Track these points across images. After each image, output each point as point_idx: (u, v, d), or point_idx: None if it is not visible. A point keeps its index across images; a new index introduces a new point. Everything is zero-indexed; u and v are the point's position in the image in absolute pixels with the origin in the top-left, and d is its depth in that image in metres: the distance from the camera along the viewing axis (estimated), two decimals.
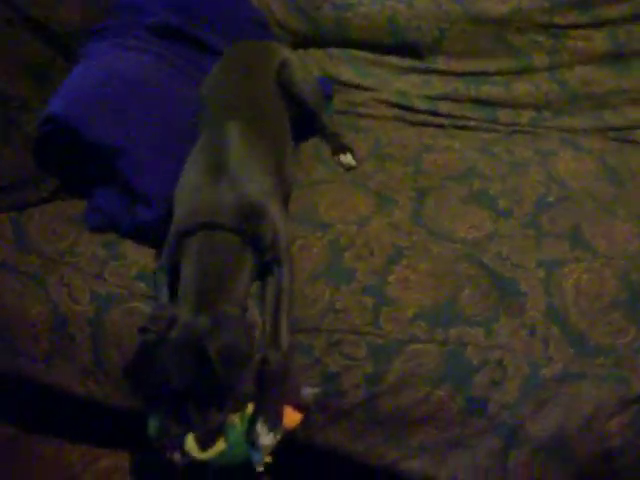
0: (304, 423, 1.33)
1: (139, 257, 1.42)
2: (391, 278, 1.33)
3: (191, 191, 1.32)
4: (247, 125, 1.41)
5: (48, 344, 1.41)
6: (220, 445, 1.28)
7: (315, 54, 1.91)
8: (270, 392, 1.27)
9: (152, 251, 1.43)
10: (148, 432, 1.35)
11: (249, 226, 1.28)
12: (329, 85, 1.85)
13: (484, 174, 1.59)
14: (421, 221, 1.46)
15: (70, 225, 1.47)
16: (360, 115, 1.84)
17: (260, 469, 1.30)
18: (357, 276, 1.34)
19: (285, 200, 1.46)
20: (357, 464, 1.36)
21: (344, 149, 1.68)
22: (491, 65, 1.81)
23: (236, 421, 1.29)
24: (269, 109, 1.53)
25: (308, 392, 1.30)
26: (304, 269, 1.37)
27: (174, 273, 1.30)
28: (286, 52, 1.70)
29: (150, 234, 1.38)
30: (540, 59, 1.78)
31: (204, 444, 1.27)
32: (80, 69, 1.47)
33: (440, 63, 1.85)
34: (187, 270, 1.26)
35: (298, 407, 1.32)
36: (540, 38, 1.76)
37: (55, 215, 1.50)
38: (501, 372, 1.21)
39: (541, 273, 1.32)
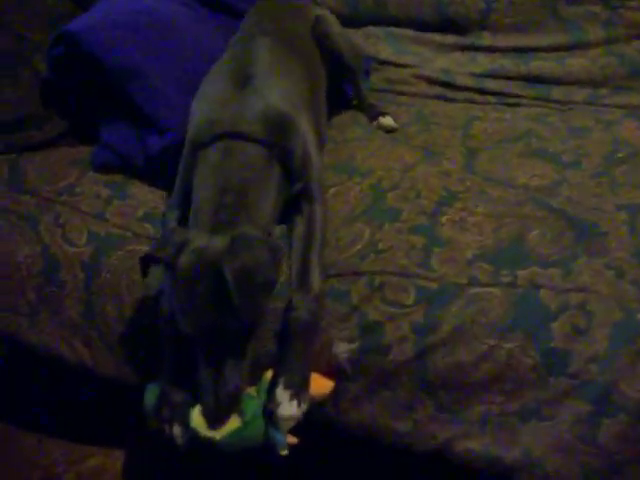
0: (335, 393, 1.08)
1: (147, 198, 1.23)
2: (444, 219, 1.12)
3: (211, 99, 1.14)
4: (280, 44, 1.25)
5: (34, 294, 1.20)
6: (233, 422, 1.04)
7: (352, 34, 1.78)
8: (296, 346, 1.03)
9: (163, 193, 1.24)
10: (144, 405, 1.11)
11: (277, 138, 1.09)
12: (367, 62, 1.71)
13: (541, 135, 1.40)
14: (474, 170, 1.27)
15: (73, 167, 1.30)
16: (399, 93, 1.68)
17: (284, 453, 1.04)
18: (403, 216, 1.13)
19: (319, 147, 1.27)
20: (396, 450, 1.10)
21: (383, 113, 1.52)
22: (542, 40, 1.65)
23: (253, 393, 1.05)
24: (305, 50, 1.37)
25: (342, 349, 1.06)
26: (339, 212, 1.17)
27: (186, 202, 1.10)
28: (319, 9, 1.57)
29: (161, 167, 1.20)
30: (595, 32, 1.62)
31: (215, 417, 1.01)
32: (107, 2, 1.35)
33: (486, 39, 1.70)
34: (201, 186, 1.05)
35: (329, 372, 1.08)
36: (595, 9, 1.61)
37: (58, 159, 1.33)
38: (585, 318, 0.97)
39: (623, 216, 1.10)
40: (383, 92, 1.69)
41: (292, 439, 1.05)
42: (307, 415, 1.04)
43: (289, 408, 1.01)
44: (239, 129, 1.07)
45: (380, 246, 1.09)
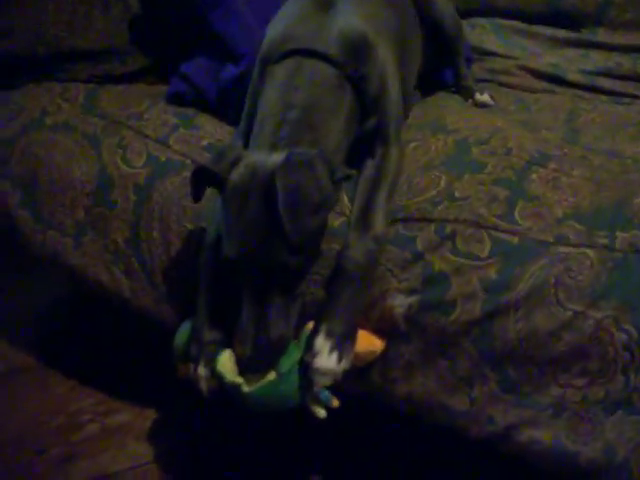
0: (384, 357, 0.94)
1: (214, 130, 1.17)
2: (534, 176, 0.98)
3: (287, 18, 1.06)
4: None
5: (83, 212, 1.15)
6: (267, 374, 0.92)
7: None
8: (345, 291, 0.91)
9: (231, 129, 1.17)
10: (174, 343, 1.01)
11: (353, 60, 0.99)
12: (468, 48, 1.61)
13: None
14: (576, 141, 1.12)
15: (146, 99, 1.26)
16: (502, 84, 1.56)
17: (321, 414, 0.91)
18: (487, 169, 0.99)
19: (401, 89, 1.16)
20: (442, 433, 0.94)
21: (481, 91, 1.40)
22: None
23: (292, 345, 0.93)
24: (402, 14, 1.27)
25: (400, 301, 0.92)
26: (416, 161, 1.05)
27: (252, 127, 1.02)
28: None
29: (233, 94, 1.13)
30: None
31: (249, 364, 0.89)
32: None
33: (601, 35, 1.56)
34: (265, 103, 0.96)
35: (380, 329, 0.95)
36: None
37: (134, 92, 1.30)
38: None
39: None
40: (484, 82, 1.58)
41: (334, 401, 0.92)
42: (347, 380, 0.90)
43: (327, 360, 0.88)
44: (312, 46, 0.98)
45: (457, 194, 0.96)
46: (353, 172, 0.94)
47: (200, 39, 1.23)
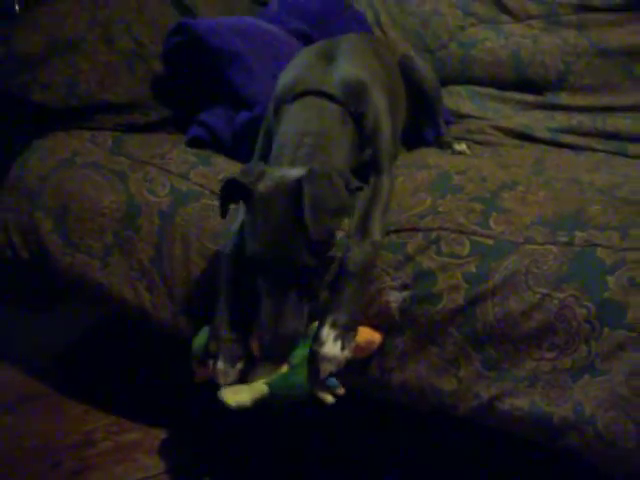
0: (381, 350, 1.07)
1: (229, 167, 1.33)
2: (505, 195, 1.14)
3: (296, 67, 1.26)
4: (367, 45, 1.38)
5: (111, 237, 1.29)
6: (281, 367, 1.04)
7: None
8: (348, 287, 1.05)
9: (243, 166, 1.33)
10: (192, 346, 1.13)
11: (353, 101, 1.18)
12: (447, 112, 1.83)
13: (615, 165, 1.42)
14: (541, 173, 1.29)
15: (167, 142, 1.44)
16: (477, 142, 1.76)
17: (329, 400, 1.02)
18: (465, 190, 1.16)
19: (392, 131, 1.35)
20: (435, 415, 1.06)
21: (457, 142, 1.59)
22: (618, 99, 1.71)
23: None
24: (389, 66, 1.47)
25: (395, 297, 1.06)
26: (405, 188, 1.22)
27: (266, 158, 1.18)
28: (406, 47, 1.71)
29: (246, 135, 1.31)
30: None
31: (270, 353, 1.01)
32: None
33: (563, 98, 1.77)
34: (282, 134, 1.14)
35: (379, 324, 1.08)
36: None
37: (156, 138, 1.48)
38: None
39: None
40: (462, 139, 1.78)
41: (340, 390, 1.03)
42: (349, 373, 1.03)
43: (332, 348, 1.01)
44: (319, 88, 1.17)
45: (440, 209, 1.12)
46: (363, 185, 1.10)
47: (216, 92, 1.42)
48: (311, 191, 0.97)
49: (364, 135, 1.19)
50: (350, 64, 1.25)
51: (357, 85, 1.21)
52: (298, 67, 1.27)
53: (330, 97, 1.17)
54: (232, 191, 1.06)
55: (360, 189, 1.09)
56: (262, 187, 1.02)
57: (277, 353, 1.01)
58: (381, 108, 1.24)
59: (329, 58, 1.26)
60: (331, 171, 1.03)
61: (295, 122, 1.14)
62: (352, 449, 1.34)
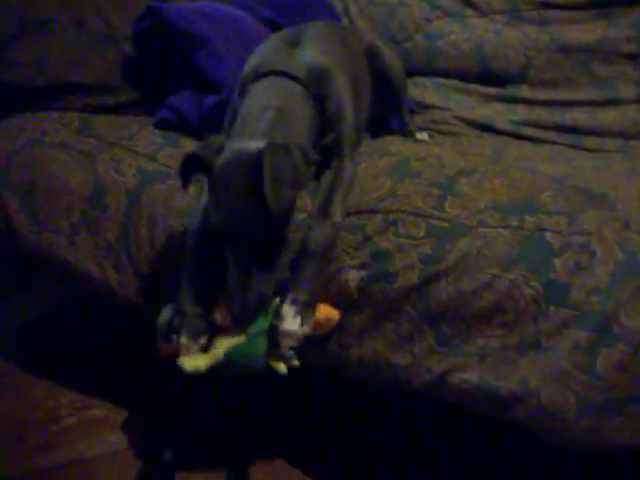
0: (340, 327, 1.11)
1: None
2: (462, 181, 1.19)
3: (262, 52, 1.29)
4: (332, 32, 1.41)
5: (79, 215, 1.31)
6: (239, 337, 1.07)
7: None
8: (307, 266, 1.09)
9: None
10: (157, 322, 1.16)
11: (316, 84, 1.21)
12: (410, 102, 1.87)
13: (571, 157, 1.49)
14: (499, 162, 1.34)
15: (136, 124, 1.45)
16: (440, 132, 1.81)
17: (283, 371, 1.06)
18: (424, 175, 1.21)
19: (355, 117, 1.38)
20: (388, 390, 1.11)
21: (419, 131, 1.64)
22: (576, 94, 1.78)
23: None
24: (354, 52, 1.50)
25: (353, 276, 1.11)
26: (367, 174, 1.26)
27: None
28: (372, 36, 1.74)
29: (214, 118, 1.33)
30: (627, 90, 1.73)
31: (240, 319, 1.05)
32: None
33: (525, 91, 1.83)
34: (244, 106, 1.17)
35: (338, 302, 1.12)
36: (627, 69, 1.75)
37: (124, 119, 1.49)
38: (588, 256, 1.00)
39: (636, 192, 1.14)
40: (424, 130, 1.83)
41: (294, 361, 1.07)
42: (310, 349, 1.07)
43: (292, 323, 1.05)
44: (283, 69, 1.21)
45: (399, 193, 1.16)
46: (320, 157, 1.14)
47: (184, 75, 1.44)
48: (271, 163, 1.01)
49: (325, 118, 1.22)
50: (315, 50, 1.28)
51: (321, 70, 1.24)
52: (264, 51, 1.30)
53: (293, 78, 1.20)
54: (192, 165, 1.08)
55: (318, 162, 1.12)
56: (221, 160, 1.06)
57: (245, 318, 1.05)
58: (344, 95, 1.28)
59: (295, 43, 1.29)
60: (290, 143, 1.06)
61: (257, 98, 1.17)
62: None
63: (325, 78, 1.24)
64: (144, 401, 1.45)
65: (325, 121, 1.23)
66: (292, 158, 1.04)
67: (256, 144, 1.05)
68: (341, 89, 1.27)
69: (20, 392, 1.48)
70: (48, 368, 1.54)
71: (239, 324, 1.06)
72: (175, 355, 1.11)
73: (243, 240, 1.04)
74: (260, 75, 1.21)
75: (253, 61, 1.27)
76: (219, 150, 1.07)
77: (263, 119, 1.12)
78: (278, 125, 1.12)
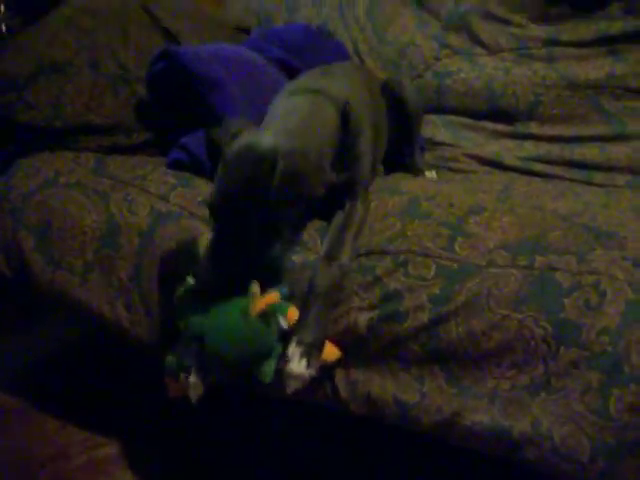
0: (347, 362, 1.11)
1: (209, 189, 1.36)
2: (471, 220, 1.19)
3: (296, 81, 1.39)
4: (355, 71, 1.46)
5: (92, 254, 1.33)
6: None
7: None
8: (314, 307, 1.09)
9: None
10: (166, 362, 1.17)
11: (347, 113, 1.22)
12: (422, 139, 1.89)
13: (580, 193, 1.49)
14: (507, 200, 1.35)
15: (149, 164, 1.48)
16: (451, 169, 1.83)
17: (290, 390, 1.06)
18: (433, 215, 1.21)
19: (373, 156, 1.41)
20: (399, 428, 1.10)
21: (428, 169, 1.66)
22: (585, 130, 1.79)
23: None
24: (373, 92, 1.54)
25: (363, 315, 1.11)
26: (377, 214, 1.27)
27: None
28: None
29: None
30: (635, 125, 1.73)
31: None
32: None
33: (533, 128, 1.84)
34: (274, 106, 1.23)
35: (345, 340, 1.12)
36: (635, 104, 1.75)
37: (137, 160, 1.52)
38: (598, 296, 1.00)
39: None
40: (435, 167, 1.84)
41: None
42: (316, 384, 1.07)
43: (298, 365, 1.05)
44: (321, 88, 1.26)
45: (409, 233, 1.17)
46: (340, 177, 1.17)
47: (197, 116, 1.47)
48: (285, 164, 1.04)
49: (344, 150, 1.23)
50: (348, 85, 1.33)
51: (354, 103, 1.26)
52: (296, 80, 1.39)
53: (330, 98, 1.23)
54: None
55: (333, 183, 1.14)
56: (233, 149, 1.09)
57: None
58: (369, 137, 1.31)
59: (331, 75, 1.36)
60: (308, 150, 1.09)
61: (289, 103, 1.23)
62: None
63: (355, 111, 1.26)
64: (155, 440, 1.45)
65: (344, 153, 1.24)
66: (307, 165, 1.07)
67: (269, 140, 1.08)
68: (367, 129, 1.31)
69: (31, 429, 1.49)
70: (59, 405, 1.54)
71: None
72: (184, 395, 1.12)
73: (232, 222, 1.06)
74: (300, 90, 1.28)
75: (287, 86, 1.35)
76: (236, 135, 1.11)
77: (287, 122, 1.15)
78: (302, 132, 1.14)
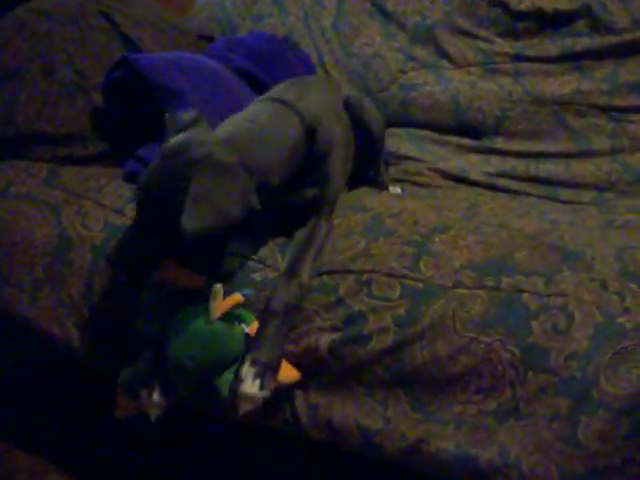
0: (307, 387, 1.07)
1: None
2: (436, 239, 1.16)
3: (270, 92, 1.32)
4: (321, 86, 1.42)
5: (42, 270, 1.26)
6: None
7: None
8: (269, 326, 1.05)
9: None
10: (120, 380, 1.11)
11: (311, 125, 1.18)
12: (387, 153, 1.86)
13: (545, 211, 1.47)
14: (473, 218, 1.32)
15: (104, 177, 1.41)
16: (415, 183, 1.80)
17: (242, 411, 1.01)
18: (398, 233, 1.18)
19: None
20: (362, 455, 1.05)
21: (392, 185, 1.63)
22: (551, 146, 1.78)
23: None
24: (338, 105, 1.50)
25: (324, 337, 1.06)
26: (340, 231, 1.23)
27: None
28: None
29: None
30: (601, 142, 1.74)
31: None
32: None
33: (499, 143, 1.83)
34: (236, 115, 1.17)
35: (304, 361, 1.08)
36: (600, 121, 1.76)
37: (92, 172, 1.45)
38: (566, 319, 0.97)
39: (611, 250, 1.12)
40: (399, 182, 1.82)
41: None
42: (273, 407, 1.03)
43: (251, 386, 1.00)
44: (284, 98, 1.21)
45: (373, 252, 1.14)
46: (260, 209, 1.05)
47: (155, 127, 1.41)
48: (202, 179, 0.97)
49: (311, 166, 1.19)
50: (321, 102, 1.30)
51: (325, 120, 1.23)
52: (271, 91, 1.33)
53: (297, 111, 1.18)
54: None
55: (257, 211, 1.05)
56: (171, 143, 1.05)
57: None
58: (337, 156, 1.26)
59: (304, 88, 1.31)
60: (235, 166, 1.02)
61: (250, 111, 1.18)
62: None
63: (327, 128, 1.22)
64: (101, 465, 1.38)
65: (311, 169, 1.20)
66: (233, 183, 1.00)
67: (214, 147, 1.02)
68: (338, 146, 1.27)
69: None
70: (4, 430, 1.46)
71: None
72: (135, 415, 1.07)
73: (148, 213, 1.03)
74: (261, 99, 1.24)
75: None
76: (182, 128, 1.07)
77: (241, 128, 1.10)
78: (252, 138, 1.09)
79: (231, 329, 1.03)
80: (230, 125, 1.13)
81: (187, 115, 1.10)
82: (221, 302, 1.03)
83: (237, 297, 1.05)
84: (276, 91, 1.32)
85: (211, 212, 0.97)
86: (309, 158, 1.19)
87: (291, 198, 1.19)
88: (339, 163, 1.28)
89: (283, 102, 1.20)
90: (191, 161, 0.99)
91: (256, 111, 1.18)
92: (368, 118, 1.59)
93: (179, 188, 0.97)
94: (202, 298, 1.04)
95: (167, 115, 1.13)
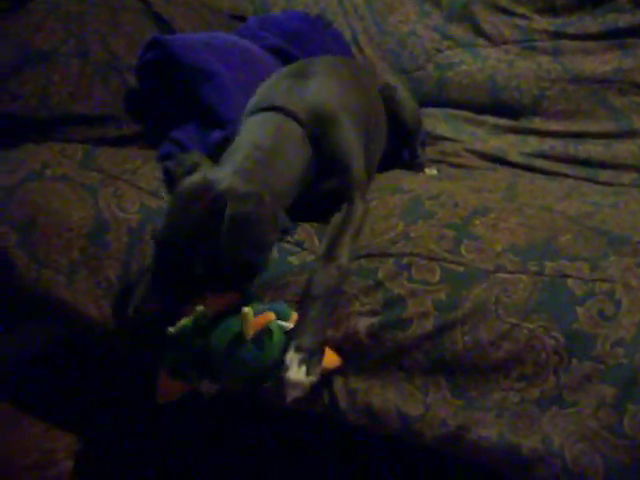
0: (347, 371, 1.06)
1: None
2: (477, 222, 1.14)
3: (268, 85, 1.26)
4: (346, 67, 1.38)
5: (78, 252, 1.26)
6: None
7: None
8: (312, 311, 1.03)
9: None
10: (164, 362, 1.09)
11: (317, 124, 1.16)
12: (424, 135, 1.83)
13: (585, 193, 1.43)
14: (513, 199, 1.30)
15: (139, 158, 1.41)
16: (451, 165, 1.77)
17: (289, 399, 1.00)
18: (437, 216, 1.16)
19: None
20: (399, 442, 1.04)
21: (429, 166, 1.60)
22: (591, 126, 1.74)
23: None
24: (369, 96, 1.46)
25: (364, 322, 1.05)
26: (378, 213, 1.21)
27: None
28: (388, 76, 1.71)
29: (218, 155, 1.28)
30: None
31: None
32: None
33: (537, 123, 1.79)
34: (237, 140, 1.14)
35: (344, 346, 1.06)
36: None
37: (127, 152, 1.45)
38: (613, 306, 0.95)
39: None
40: (436, 162, 1.79)
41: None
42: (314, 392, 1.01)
43: (297, 372, 0.99)
44: (283, 106, 1.17)
45: (412, 235, 1.12)
46: (294, 227, 1.10)
47: (189, 108, 1.41)
48: (234, 214, 0.97)
49: (325, 161, 1.17)
50: (321, 87, 1.24)
51: (323, 109, 1.20)
52: (268, 85, 1.27)
53: (293, 116, 1.16)
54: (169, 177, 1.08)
55: (288, 231, 1.08)
56: (187, 182, 1.03)
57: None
58: (350, 137, 1.23)
59: (302, 78, 1.25)
60: (263, 194, 1.01)
61: (249, 134, 1.14)
62: None
63: (328, 118, 1.19)
64: (140, 444, 1.39)
65: (325, 163, 1.18)
66: (262, 209, 1.00)
67: (230, 182, 1.01)
68: (346, 131, 1.22)
69: (15, 434, 1.42)
70: (45, 409, 1.48)
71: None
72: (178, 399, 1.06)
73: (169, 263, 1.00)
74: (260, 109, 1.18)
75: (257, 95, 1.24)
76: (190, 170, 1.05)
77: (251, 158, 1.08)
78: (262, 168, 1.07)
79: (263, 345, 1.00)
80: (236, 155, 1.09)
81: (190, 158, 1.09)
82: (252, 322, 0.99)
83: (269, 315, 1.01)
84: (268, 88, 1.27)
85: (251, 242, 0.98)
86: (317, 157, 1.17)
87: (314, 193, 1.18)
88: (355, 144, 1.25)
89: (276, 109, 1.17)
90: (216, 197, 0.99)
91: (257, 134, 1.13)
92: (400, 110, 1.57)
93: (209, 227, 0.97)
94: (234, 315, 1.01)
95: (168, 163, 1.11)
